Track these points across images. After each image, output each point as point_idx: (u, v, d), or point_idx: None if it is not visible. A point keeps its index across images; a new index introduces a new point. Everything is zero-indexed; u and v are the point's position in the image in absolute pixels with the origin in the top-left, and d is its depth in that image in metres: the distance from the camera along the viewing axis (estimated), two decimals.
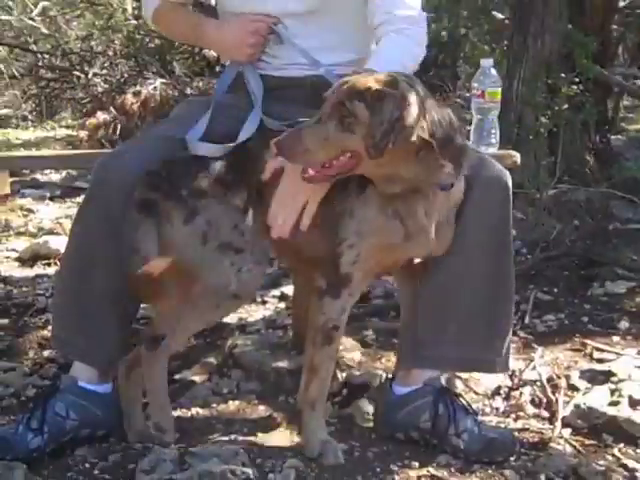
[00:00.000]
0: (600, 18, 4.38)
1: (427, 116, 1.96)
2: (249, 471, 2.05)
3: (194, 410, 2.53)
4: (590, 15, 4.36)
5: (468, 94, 5.45)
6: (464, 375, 2.63)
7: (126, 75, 9.62)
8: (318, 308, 2.17)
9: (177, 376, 2.77)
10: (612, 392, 2.52)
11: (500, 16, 5.63)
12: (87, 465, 2.16)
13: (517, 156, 2.74)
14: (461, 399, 2.35)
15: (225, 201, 2.16)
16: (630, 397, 2.45)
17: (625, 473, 2.11)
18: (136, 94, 8.31)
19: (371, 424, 2.43)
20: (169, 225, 2.15)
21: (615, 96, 6.01)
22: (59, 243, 4.22)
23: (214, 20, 2.53)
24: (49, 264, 4.11)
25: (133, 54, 9.85)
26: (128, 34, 9.83)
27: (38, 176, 6.52)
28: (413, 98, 1.94)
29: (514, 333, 3.04)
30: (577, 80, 4.39)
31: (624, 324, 3.10)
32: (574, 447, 2.29)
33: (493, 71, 2.75)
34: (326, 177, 2.04)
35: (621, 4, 6.83)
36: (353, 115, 1.94)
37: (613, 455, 2.23)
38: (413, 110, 1.92)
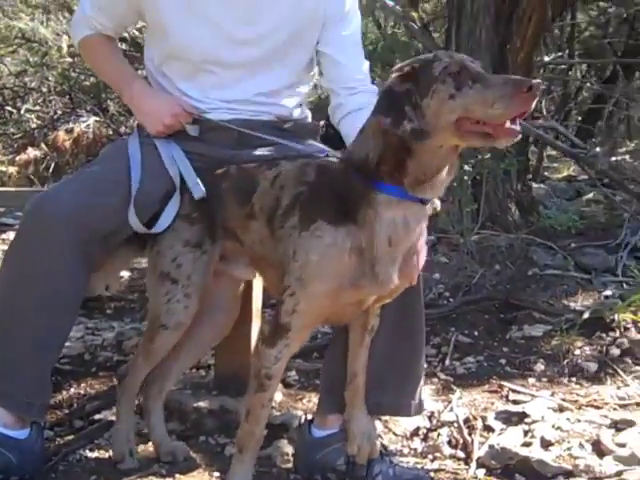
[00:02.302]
0: (522, 74, 4.54)
1: None
2: None
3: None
4: (512, 71, 4.53)
5: None
6: (384, 417, 2.66)
7: (59, 112, 9.55)
8: (255, 354, 2.18)
9: (97, 416, 2.75)
10: (525, 433, 2.58)
11: None
12: None
13: (437, 203, 2.81)
14: (376, 442, 2.39)
15: (176, 234, 2.29)
16: (542, 438, 2.51)
17: None
18: (68, 131, 8.28)
19: (290, 465, 2.44)
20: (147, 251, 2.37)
21: (539, 146, 6.22)
22: None
23: (144, 83, 2.53)
24: None
25: (67, 91, 9.79)
26: (62, 71, 9.79)
27: None
28: None
29: (434, 375, 3.11)
30: None
31: (540, 366, 3.18)
32: None
33: None
34: None
35: (546, 59, 7.13)
36: None
37: None
38: None
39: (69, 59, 9.43)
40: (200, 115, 2.43)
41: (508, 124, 1.86)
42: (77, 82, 9.85)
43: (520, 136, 1.91)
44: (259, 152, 2.44)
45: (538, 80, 1.85)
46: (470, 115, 1.86)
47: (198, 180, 2.31)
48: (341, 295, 2.03)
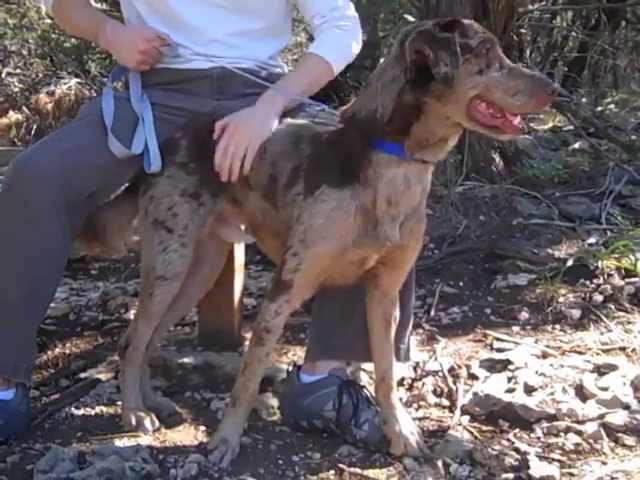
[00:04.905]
0: (502, 22, 4.51)
1: None
2: (149, 467, 2.06)
3: (98, 408, 2.52)
4: (493, 19, 4.48)
5: None
6: (369, 367, 2.67)
7: (41, 75, 9.43)
8: (260, 308, 2.21)
9: (82, 375, 2.76)
10: (509, 379, 2.60)
11: (412, 19, 5.74)
12: None
13: None
14: (365, 390, 2.40)
15: (172, 182, 2.29)
16: (525, 384, 2.53)
17: (517, 456, 2.18)
18: (50, 94, 8.18)
19: (275, 418, 2.46)
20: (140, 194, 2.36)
21: None
22: None
23: (115, 22, 2.53)
24: None
25: (48, 53, 9.66)
26: (42, 33, 9.65)
27: None
28: None
29: (420, 326, 3.12)
30: None
31: (524, 315, 3.18)
32: (471, 433, 2.36)
33: None
34: None
35: (530, 7, 7.06)
36: None
37: (508, 440, 2.31)
38: None
39: (48, 20, 9.29)
40: (172, 41, 2.42)
41: (518, 119, 1.90)
42: (58, 43, 9.71)
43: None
44: (242, 103, 2.43)
45: (557, 85, 1.86)
46: (489, 96, 1.88)
47: (158, 154, 2.30)
48: (344, 254, 2.06)
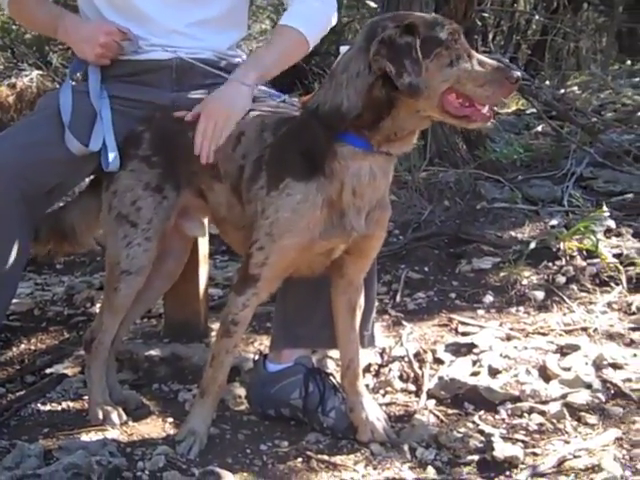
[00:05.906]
0: (463, 6, 4.51)
1: None
2: (116, 461, 2.06)
3: (65, 404, 2.52)
4: (454, 4, 4.49)
5: None
6: (335, 355, 2.68)
7: (1, 67, 9.30)
8: (227, 300, 2.21)
9: (48, 370, 2.75)
10: (474, 363, 2.63)
11: (374, 5, 5.73)
12: None
13: None
14: (331, 378, 2.42)
15: (135, 176, 2.27)
16: (490, 367, 2.56)
17: (481, 438, 2.22)
18: (11, 86, 8.06)
19: (243, 407, 2.47)
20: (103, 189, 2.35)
21: None
22: None
23: (75, 15, 2.51)
24: None
25: (9, 45, 9.52)
26: (2, 25, 9.49)
27: None
28: None
29: (386, 312, 3.14)
30: None
31: (489, 298, 3.21)
32: (437, 417, 2.39)
33: None
34: None
35: None
36: None
37: (473, 422, 2.34)
38: None
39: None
40: (133, 35, 2.41)
41: (486, 108, 1.93)
42: (18, 35, 9.56)
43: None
44: (200, 95, 2.42)
45: (518, 73, 1.94)
46: (459, 88, 1.90)
47: (116, 153, 2.29)
48: (311, 247, 2.07)
